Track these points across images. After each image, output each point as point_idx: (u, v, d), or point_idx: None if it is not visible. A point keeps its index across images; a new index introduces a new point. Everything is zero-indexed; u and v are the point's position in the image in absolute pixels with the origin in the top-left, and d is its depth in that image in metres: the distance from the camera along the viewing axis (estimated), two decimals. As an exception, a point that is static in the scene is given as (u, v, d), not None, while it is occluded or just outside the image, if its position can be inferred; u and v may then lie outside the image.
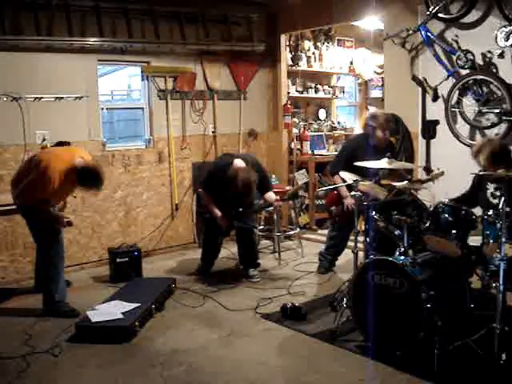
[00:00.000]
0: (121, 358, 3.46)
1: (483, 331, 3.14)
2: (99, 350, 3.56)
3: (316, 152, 6.86)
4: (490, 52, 4.51)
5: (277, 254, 5.66)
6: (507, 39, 4.32)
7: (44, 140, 5.00)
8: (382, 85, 6.43)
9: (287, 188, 5.92)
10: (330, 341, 3.58)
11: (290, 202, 5.81)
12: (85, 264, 5.41)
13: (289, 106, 6.64)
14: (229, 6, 6.15)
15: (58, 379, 3.23)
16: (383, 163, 3.88)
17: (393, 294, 3.28)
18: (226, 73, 6.33)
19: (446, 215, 3.45)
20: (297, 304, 4.06)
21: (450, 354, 3.12)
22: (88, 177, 3.95)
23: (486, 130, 4.65)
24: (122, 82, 7.64)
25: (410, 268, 3.28)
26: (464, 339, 3.17)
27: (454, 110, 4.79)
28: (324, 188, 4.94)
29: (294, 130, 6.86)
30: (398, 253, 3.56)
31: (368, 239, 4.16)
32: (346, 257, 5.11)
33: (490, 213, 3.26)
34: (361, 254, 4.17)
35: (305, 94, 7.22)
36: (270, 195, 4.94)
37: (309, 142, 6.92)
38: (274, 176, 6.40)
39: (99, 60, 5.41)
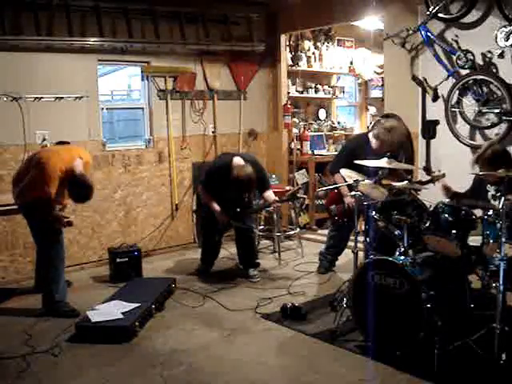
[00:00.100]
0: (121, 358, 3.46)
1: (483, 331, 3.14)
2: (99, 349, 3.56)
3: (316, 152, 6.86)
4: (490, 52, 4.51)
5: (277, 254, 5.66)
6: (507, 39, 4.32)
7: (44, 140, 5.00)
8: (382, 85, 6.42)
9: (287, 188, 5.92)
10: (329, 341, 3.58)
11: (290, 202, 5.79)
12: (85, 264, 5.41)
13: (289, 106, 6.64)
14: (229, 6, 6.15)
15: (58, 379, 3.23)
16: (383, 163, 3.88)
17: (393, 294, 3.28)
18: (226, 73, 6.33)
19: (446, 215, 3.44)
20: (297, 304, 4.06)
21: (450, 354, 3.12)
22: (79, 186, 3.98)
23: (485, 130, 4.65)
24: (122, 81, 7.64)
25: (410, 268, 3.28)
26: (464, 339, 3.17)
27: (453, 109, 4.79)
28: (324, 188, 4.95)
29: (294, 130, 6.86)
30: (397, 253, 3.56)
31: (368, 239, 4.17)
32: (346, 257, 5.11)
33: (490, 213, 3.26)
34: (361, 254, 4.17)
35: (305, 94, 7.22)
36: (269, 195, 4.93)
37: (309, 142, 6.92)
38: (273, 176, 6.40)
39: (99, 60, 5.41)
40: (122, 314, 3.85)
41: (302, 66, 7.01)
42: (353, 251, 3.92)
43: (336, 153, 5.83)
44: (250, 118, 6.53)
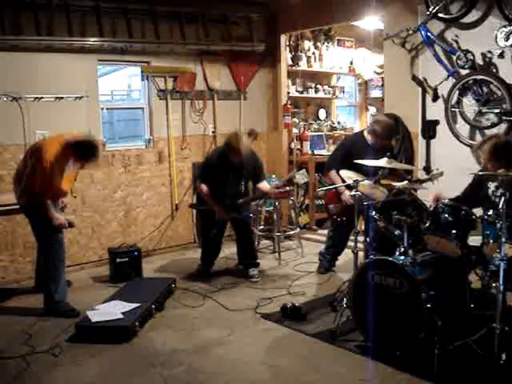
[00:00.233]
0: (121, 357, 3.46)
1: (483, 331, 3.14)
2: (99, 349, 3.55)
3: (316, 152, 6.86)
4: (490, 52, 4.51)
5: (277, 254, 5.66)
6: (507, 39, 4.32)
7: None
8: (382, 85, 6.42)
9: (287, 188, 5.91)
10: (329, 341, 3.58)
11: (287, 188, 5.75)
12: (85, 264, 5.41)
13: (289, 106, 6.65)
14: (229, 6, 6.15)
15: (58, 379, 3.23)
16: (383, 163, 3.88)
17: (393, 294, 3.28)
18: (226, 73, 6.33)
19: (446, 215, 3.44)
20: (297, 304, 4.06)
21: (450, 353, 3.12)
22: (83, 147, 4.01)
23: (485, 130, 4.64)
24: (122, 81, 7.64)
25: (410, 268, 3.28)
26: (464, 339, 3.17)
27: (453, 110, 4.79)
28: (324, 188, 4.94)
29: (294, 130, 6.86)
30: (398, 253, 3.56)
31: (368, 239, 4.17)
32: (345, 257, 5.12)
33: (490, 213, 3.26)
34: (361, 254, 4.17)
35: (305, 94, 7.22)
36: (264, 184, 4.96)
37: (309, 142, 6.92)
38: (274, 176, 6.39)
39: (99, 60, 5.41)
40: (122, 313, 3.85)
41: (302, 66, 7.01)
42: (353, 251, 3.92)
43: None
44: (250, 118, 6.53)
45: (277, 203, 5.73)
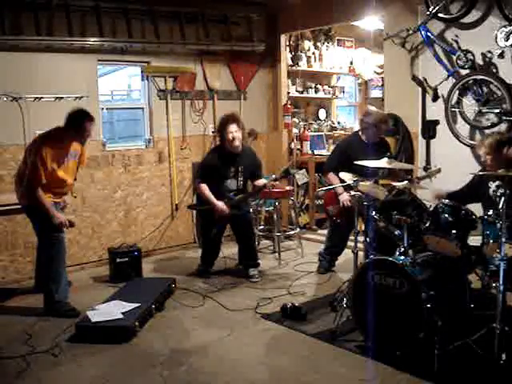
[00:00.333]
0: (121, 357, 3.46)
1: (483, 331, 3.14)
2: (99, 349, 3.55)
3: (316, 152, 6.86)
4: (490, 52, 4.51)
5: (277, 254, 5.66)
6: (507, 39, 4.32)
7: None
8: (382, 85, 6.43)
9: (287, 188, 5.92)
10: (330, 341, 3.58)
11: (285, 178, 5.74)
12: (85, 264, 5.41)
13: (289, 106, 6.65)
14: (229, 6, 6.15)
15: (58, 379, 3.23)
16: (383, 163, 3.88)
17: (393, 294, 3.28)
18: (226, 73, 6.33)
19: (446, 215, 3.45)
20: (297, 304, 4.06)
21: (449, 353, 3.12)
22: (72, 117, 4.07)
23: (485, 130, 4.64)
24: (122, 81, 7.64)
25: (410, 268, 3.28)
26: (464, 339, 3.17)
27: (453, 110, 4.79)
28: (324, 188, 4.95)
29: (294, 130, 6.86)
30: (398, 253, 3.56)
31: (368, 239, 4.17)
32: (345, 257, 5.11)
33: (490, 213, 3.26)
34: (361, 254, 4.17)
35: (305, 94, 7.23)
36: (262, 180, 4.99)
37: (309, 142, 6.92)
38: (273, 176, 6.38)
39: (99, 60, 5.41)
40: (122, 313, 3.85)
41: (302, 66, 7.01)
42: (353, 251, 3.92)
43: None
44: (250, 118, 6.51)
45: (277, 203, 5.73)
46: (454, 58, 4.68)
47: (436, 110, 4.99)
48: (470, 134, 4.77)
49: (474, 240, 3.37)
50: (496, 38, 4.38)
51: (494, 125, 4.52)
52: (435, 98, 4.96)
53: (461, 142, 4.79)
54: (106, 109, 5.74)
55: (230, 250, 5.53)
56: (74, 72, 5.21)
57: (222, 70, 6.28)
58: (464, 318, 3.37)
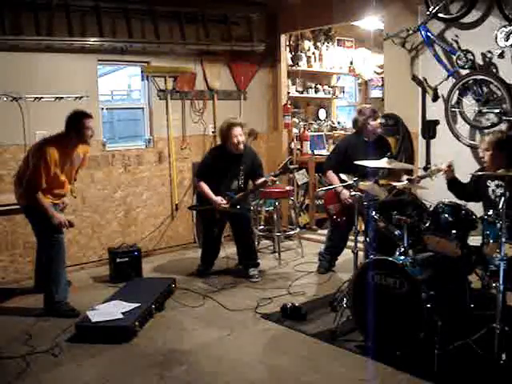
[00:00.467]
0: (121, 358, 3.46)
1: (483, 331, 3.14)
2: (99, 349, 3.55)
3: (316, 152, 6.86)
4: (490, 52, 4.51)
5: (277, 254, 5.66)
6: (507, 39, 4.32)
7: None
8: (382, 85, 6.43)
9: (287, 188, 5.92)
10: (330, 341, 3.58)
11: (284, 173, 5.70)
12: (85, 264, 5.41)
13: (289, 106, 6.65)
14: (229, 6, 6.15)
15: (58, 379, 3.23)
16: (383, 163, 3.88)
17: (393, 294, 3.28)
18: (226, 73, 6.33)
19: (446, 215, 3.44)
20: (297, 304, 4.06)
21: (449, 353, 3.12)
22: (70, 118, 4.08)
23: (485, 130, 4.64)
24: (122, 81, 7.65)
25: (410, 268, 3.28)
26: (464, 339, 3.17)
27: (454, 109, 4.79)
28: (324, 188, 4.95)
29: (294, 130, 6.87)
30: (397, 253, 3.56)
31: (368, 239, 4.17)
32: (345, 257, 5.11)
33: (490, 213, 3.26)
34: (361, 254, 4.17)
35: (305, 94, 7.23)
36: (262, 179, 4.97)
37: (309, 142, 6.92)
38: (273, 172, 6.37)
39: (99, 60, 5.41)
40: (122, 313, 3.85)
41: (302, 66, 7.01)
42: (353, 251, 3.92)
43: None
44: (250, 118, 6.52)
45: (277, 203, 5.73)
46: (454, 58, 4.68)
47: (436, 110, 4.99)
48: (470, 134, 4.77)
49: (474, 240, 3.37)
50: (496, 37, 4.38)
51: (493, 125, 4.52)
52: (435, 97, 4.96)
53: (461, 142, 4.79)
54: (106, 109, 5.74)
55: (230, 250, 5.53)
56: (74, 72, 5.21)
57: (222, 69, 6.28)
58: (464, 317, 3.37)
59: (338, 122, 7.70)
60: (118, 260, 4.93)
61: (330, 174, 4.79)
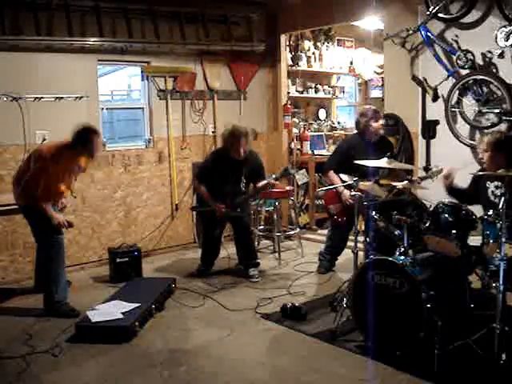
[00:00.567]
0: (121, 358, 3.46)
1: (483, 331, 3.14)
2: (99, 349, 3.55)
3: (316, 152, 6.86)
4: (490, 52, 4.51)
5: (277, 254, 5.66)
6: (507, 39, 4.32)
7: (44, 140, 4.99)
8: (382, 85, 6.42)
9: (287, 188, 5.92)
10: (330, 341, 3.58)
11: (285, 177, 5.68)
12: (85, 264, 5.41)
13: (289, 106, 6.65)
14: (229, 6, 6.15)
15: (58, 379, 3.22)
16: (383, 163, 3.88)
17: (393, 294, 3.28)
18: (226, 73, 6.33)
19: (446, 215, 3.44)
20: (297, 304, 4.06)
21: (449, 353, 3.12)
22: (79, 135, 4.05)
23: (485, 130, 4.64)
24: (122, 81, 7.64)
25: (410, 268, 3.28)
26: (464, 339, 3.16)
27: (454, 109, 4.79)
28: (324, 188, 4.95)
29: (294, 130, 6.86)
30: (398, 253, 3.56)
31: (368, 239, 4.16)
32: (345, 257, 5.11)
33: (490, 213, 3.26)
34: (361, 254, 4.17)
35: (305, 94, 7.22)
36: (263, 182, 4.96)
37: (309, 142, 6.92)
38: (273, 175, 6.38)
39: (99, 60, 5.41)
40: (122, 313, 3.85)
41: (302, 66, 7.01)
42: (353, 251, 3.92)
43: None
44: (250, 118, 6.52)
45: (277, 203, 5.73)
46: (454, 58, 4.68)
47: (436, 110, 4.99)
48: (470, 134, 4.77)
49: (474, 240, 3.37)
50: (496, 37, 4.38)
51: (494, 125, 4.52)
52: (435, 98, 4.96)
53: (461, 142, 4.79)
54: (106, 109, 5.74)
55: (230, 250, 5.52)
56: (74, 72, 5.21)
57: (221, 70, 6.28)
58: (464, 317, 3.37)
59: (338, 122, 7.70)
60: (118, 260, 4.93)
61: (331, 174, 4.79)
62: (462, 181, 3.95)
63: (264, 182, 4.93)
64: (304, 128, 7.03)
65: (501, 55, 4.46)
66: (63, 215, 4.25)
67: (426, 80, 5.03)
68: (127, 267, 4.92)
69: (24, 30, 4.85)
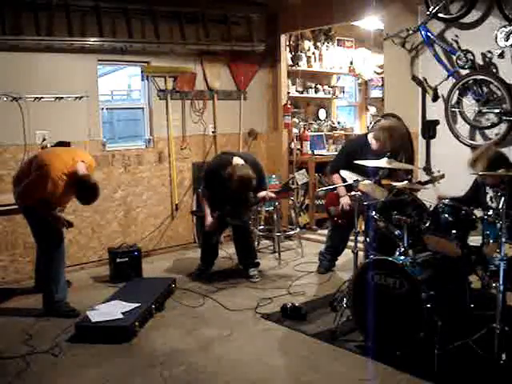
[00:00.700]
0: (121, 358, 3.46)
1: (483, 331, 3.14)
2: (99, 349, 3.56)
3: (316, 152, 6.86)
4: (490, 52, 4.51)
5: (277, 254, 5.66)
6: (507, 39, 4.32)
7: (44, 140, 5.00)
8: (382, 85, 6.43)
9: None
10: (330, 341, 3.58)
11: (284, 192, 5.66)
12: (85, 264, 5.41)
13: (289, 106, 6.64)
14: (229, 6, 6.15)
15: (58, 379, 3.23)
16: (383, 163, 3.88)
17: (393, 294, 3.28)
18: (226, 73, 6.33)
19: (446, 215, 3.45)
20: (297, 304, 4.07)
21: (449, 353, 3.12)
22: (85, 189, 3.94)
23: (485, 130, 4.65)
24: (122, 81, 7.65)
25: (410, 268, 3.28)
26: (464, 339, 3.17)
27: (454, 109, 4.79)
28: (324, 188, 4.95)
29: (294, 130, 6.86)
30: (397, 253, 3.56)
31: (368, 239, 4.16)
32: (345, 257, 5.11)
33: (490, 213, 3.26)
34: (361, 254, 4.17)
35: (305, 94, 7.22)
36: (263, 193, 4.92)
37: (309, 142, 6.92)
38: (273, 176, 6.40)
39: (99, 60, 5.41)
40: (122, 313, 3.85)
41: (302, 66, 7.01)
42: (353, 251, 3.92)
43: (336, 153, 5.83)
44: (250, 118, 6.53)
45: (277, 203, 5.73)
46: (454, 57, 4.68)
47: (436, 110, 4.99)
48: (470, 134, 4.77)
49: (474, 240, 3.37)
50: (496, 37, 4.38)
51: (494, 125, 4.53)
52: (435, 98, 4.96)
53: (461, 142, 4.79)
54: (106, 109, 5.74)
55: (230, 250, 5.53)
56: (74, 72, 5.21)
57: (222, 69, 6.28)
58: (464, 317, 3.37)
59: (338, 122, 7.70)
60: (118, 260, 4.93)
61: (336, 177, 4.72)
62: (462, 181, 3.95)
63: (263, 193, 4.90)
64: (304, 128, 7.04)
65: (501, 55, 4.46)
66: (63, 215, 4.25)
67: (426, 80, 5.03)
68: (127, 267, 4.91)
69: (24, 30, 4.85)
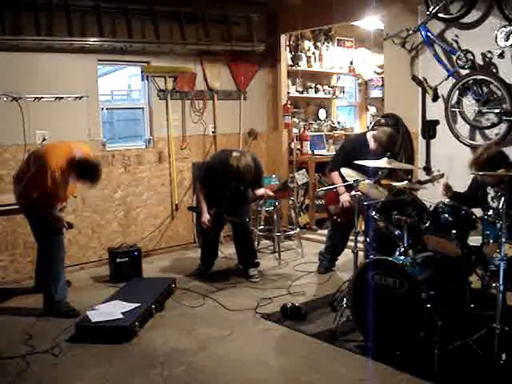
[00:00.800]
0: (121, 358, 3.46)
1: (483, 331, 3.14)
2: (99, 349, 3.56)
3: (316, 152, 6.86)
4: (490, 52, 4.51)
5: (277, 254, 5.66)
6: (507, 39, 4.32)
7: (44, 140, 5.00)
8: (382, 85, 6.43)
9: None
10: (330, 341, 3.58)
11: (283, 191, 5.66)
12: (85, 264, 5.41)
13: (289, 106, 6.64)
14: (229, 6, 6.15)
15: (58, 379, 3.23)
16: (383, 163, 3.88)
17: (393, 294, 3.28)
18: (226, 73, 6.33)
19: (446, 215, 3.44)
20: (297, 304, 4.06)
21: (449, 353, 3.12)
22: (87, 168, 3.96)
23: (485, 130, 4.65)
24: (122, 81, 7.65)
25: (410, 268, 3.28)
26: (464, 339, 3.16)
27: (454, 110, 4.79)
28: (324, 188, 4.95)
29: (294, 130, 6.86)
30: (397, 253, 3.56)
31: (368, 239, 4.16)
32: (345, 257, 5.11)
33: (490, 213, 3.26)
34: (361, 254, 4.17)
35: (305, 94, 7.22)
36: (261, 190, 4.94)
37: (309, 142, 6.92)
38: (273, 176, 6.40)
39: (99, 60, 5.41)
40: (122, 313, 3.85)
41: (302, 66, 7.01)
42: (353, 251, 3.92)
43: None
44: (250, 118, 6.53)
45: (277, 203, 5.73)
46: (454, 57, 4.67)
47: (436, 110, 4.98)
48: (470, 134, 4.77)
49: (474, 240, 3.37)
50: (496, 37, 4.38)
51: (494, 125, 4.52)
52: (435, 98, 4.96)
53: (461, 141, 4.79)
54: (106, 109, 5.74)
55: (230, 250, 5.53)
56: (74, 72, 5.21)
57: (222, 69, 6.28)
58: (464, 317, 3.37)
59: (338, 122, 7.70)
60: (118, 260, 4.93)
61: (335, 175, 4.74)
62: (462, 181, 3.95)
63: (262, 191, 4.91)
64: (304, 128, 7.03)
65: (501, 55, 4.46)
66: (64, 215, 4.25)
67: (426, 80, 5.03)
68: (127, 267, 4.92)
69: (24, 30, 4.85)
